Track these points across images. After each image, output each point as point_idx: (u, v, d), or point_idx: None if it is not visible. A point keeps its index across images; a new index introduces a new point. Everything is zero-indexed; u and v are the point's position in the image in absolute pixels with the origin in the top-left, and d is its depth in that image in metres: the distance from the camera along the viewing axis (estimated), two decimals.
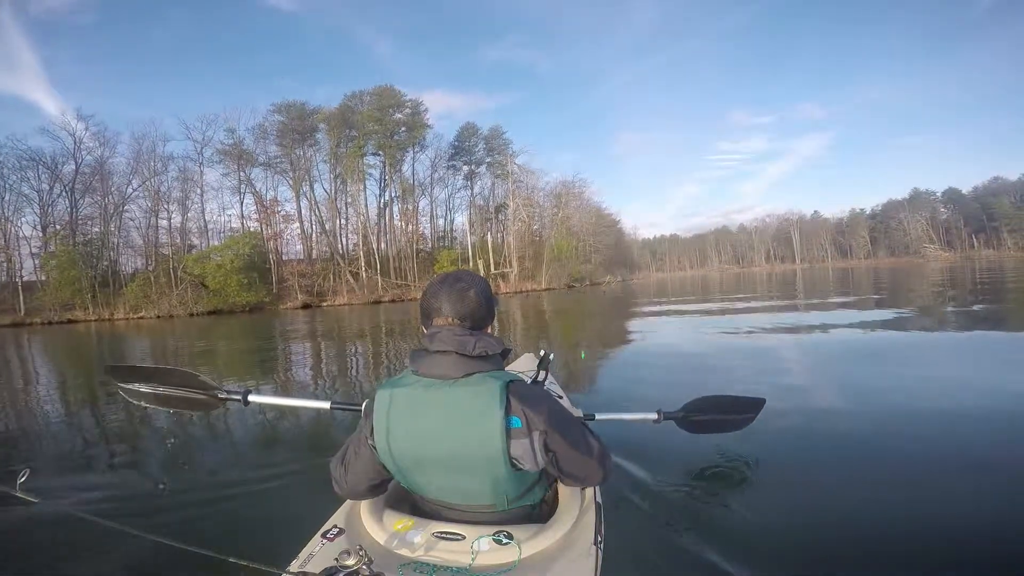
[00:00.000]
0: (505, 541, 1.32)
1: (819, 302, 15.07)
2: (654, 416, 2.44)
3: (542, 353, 1.87)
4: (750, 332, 9.04)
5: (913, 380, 4.67)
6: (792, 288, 23.75)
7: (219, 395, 2.46)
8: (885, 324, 8.87)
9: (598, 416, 2.33)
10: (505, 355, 1.43)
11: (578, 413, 1.97)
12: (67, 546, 2.16)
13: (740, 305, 15.84)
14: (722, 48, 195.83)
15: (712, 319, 12.27)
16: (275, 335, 15.10)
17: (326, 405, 2.32)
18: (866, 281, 25.53)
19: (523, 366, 3.17)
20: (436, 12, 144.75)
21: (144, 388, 2.51)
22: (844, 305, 13.57)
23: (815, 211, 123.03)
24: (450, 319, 1.38)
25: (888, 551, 2.00)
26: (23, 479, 1.22)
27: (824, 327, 9.09)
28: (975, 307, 11.26)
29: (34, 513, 1.34)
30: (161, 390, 2.49)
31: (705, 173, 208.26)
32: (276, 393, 2.62)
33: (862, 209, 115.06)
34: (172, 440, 3.00)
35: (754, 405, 2.71)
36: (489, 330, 1.48)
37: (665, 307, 16.75)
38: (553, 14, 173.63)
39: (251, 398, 2.42)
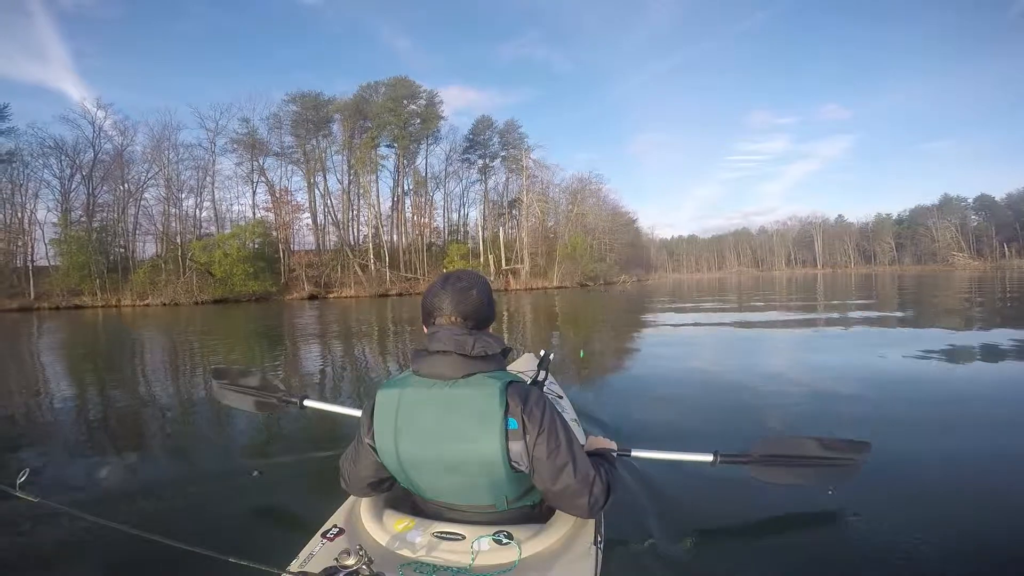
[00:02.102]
0: (505, 541, 1.34)
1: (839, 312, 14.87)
2: (708, 458, 2.01)
3: (542, 353, 1.88)
4: (767, 330, 8.97)
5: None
6: (813, 293, 23.44)
7: (282, 398, 2.64)
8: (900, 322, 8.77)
9: (635, 452, 1.99)
10: (505, 354, 1.45)
11: (610, 444, 1.74)
12: (67, 546, 2.18)
13: (759, 303, 15.74)
14: (742, 48, 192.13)
15: (730, 319, 12.20)
16: (271, 326, 15.23)
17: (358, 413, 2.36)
18: (891, 287, 25.17)
19: (523, 366, 3.19)
20: (453, 7, 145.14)
21: (231, 388, 2.79)
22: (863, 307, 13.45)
23: (839, 215, 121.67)
24: (452, 318, 1.40)
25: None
26: (23, 479, 1.24)
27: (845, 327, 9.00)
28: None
29: (34, 512, 1.36)
30: (242, 390, 2.75)
31: (725, 174, 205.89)
32: (327, 400, 2.73)
33: (888, 214, 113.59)
34: (257, 473, 2.97)
35: (853, 449, 2.04)
36: (491, 330, 1.50)
37: (683, 307, 16.67)
38: (569, 11, 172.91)
39: (306, 403, 2.55)
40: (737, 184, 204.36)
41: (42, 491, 1.23)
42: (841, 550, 2.07)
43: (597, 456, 1.53)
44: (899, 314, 11.99)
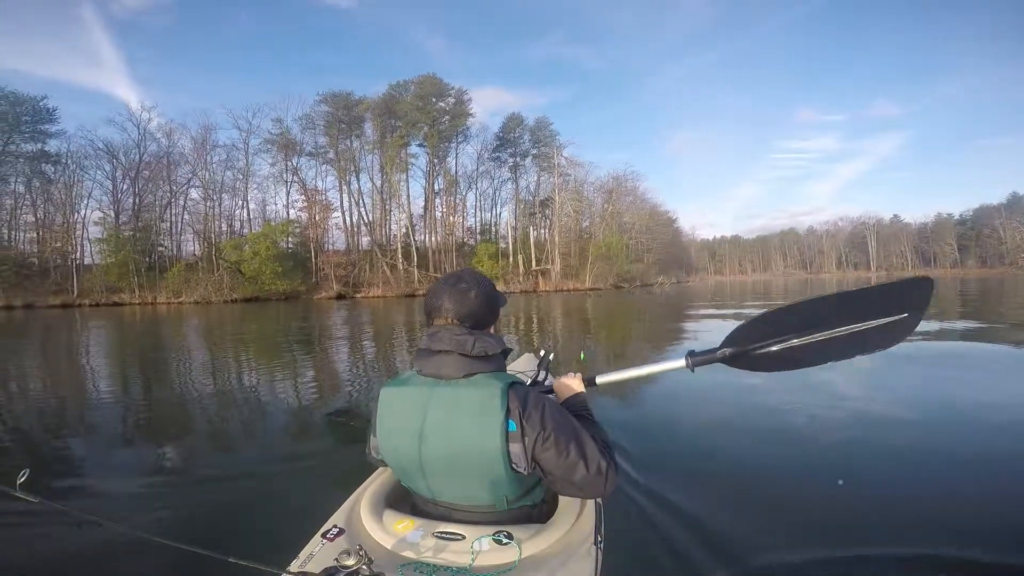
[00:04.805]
0: (505, 541, 1.35)
1: None
2: (680, 363, 1.80)
3: (542, 353, 1.88)
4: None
5: None
6: None
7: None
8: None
9: (599, 379, 1.84)
10: (505, 355, 1.47)
11: (579, 387, 1.68)
12: (66, 546, 2.26)
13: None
14: (785, 41, 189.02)
15: None
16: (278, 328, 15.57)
17: None
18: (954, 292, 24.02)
19: (523, 366, 3.16)
20: (484, 9, 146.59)
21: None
22: None
23: (895, 215, 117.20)
24: (450, 319, 1.43)
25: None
26: (23, 479, 1.25)
27: None
28: None
29: (34, 513, 1.41)
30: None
31: (769, 173, 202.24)
32: None
33: (949, 214, 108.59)
34: None
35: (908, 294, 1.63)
36: (492, 330, 1.53)
37: (724, 310, 16.34)
38: (599, 9, 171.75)
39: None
40: (783, 183, 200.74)
41: (42, 491, 1.28)
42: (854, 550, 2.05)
43: (585, 420, 1.52)
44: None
